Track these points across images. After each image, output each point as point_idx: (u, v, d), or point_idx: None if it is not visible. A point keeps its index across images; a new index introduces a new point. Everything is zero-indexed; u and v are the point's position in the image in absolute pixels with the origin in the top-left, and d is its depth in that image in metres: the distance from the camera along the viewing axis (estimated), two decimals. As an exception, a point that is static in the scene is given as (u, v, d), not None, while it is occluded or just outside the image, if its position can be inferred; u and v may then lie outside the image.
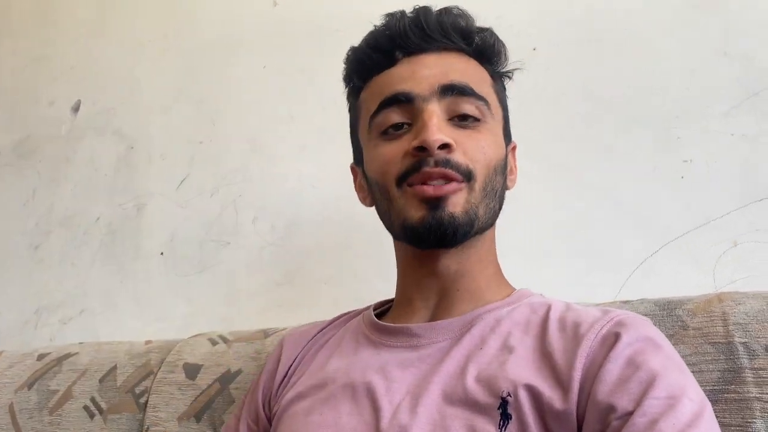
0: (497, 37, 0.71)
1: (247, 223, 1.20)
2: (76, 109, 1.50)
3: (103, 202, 1.38)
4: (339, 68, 1.17)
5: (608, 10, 0.99)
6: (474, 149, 0.63)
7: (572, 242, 0.93)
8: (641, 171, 0.92)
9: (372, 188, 0.68)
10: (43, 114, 1.54)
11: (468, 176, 0.61)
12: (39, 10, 1.66)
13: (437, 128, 0.61)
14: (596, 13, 1.00)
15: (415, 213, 0.61)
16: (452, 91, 0.63)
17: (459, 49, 0.68)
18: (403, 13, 0.68)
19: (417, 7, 0.68)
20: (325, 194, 1.14)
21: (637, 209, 0.91)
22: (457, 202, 0.61)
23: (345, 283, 1.08)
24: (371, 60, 0.69)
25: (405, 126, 0.64)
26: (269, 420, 0.69)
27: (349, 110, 0.75)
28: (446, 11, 0.68)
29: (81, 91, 1.51)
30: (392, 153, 0.64)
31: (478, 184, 0.62)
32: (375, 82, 0.68)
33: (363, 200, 0.74)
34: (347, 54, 0.73)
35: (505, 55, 0.72)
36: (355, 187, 0.76)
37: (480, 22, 0.73)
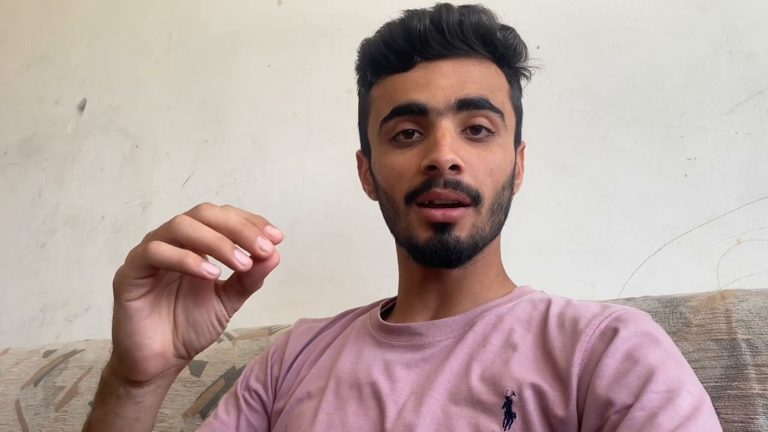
0: (519, 38, 0.69)
1: (251, 221, 1.20)
2: (81, 108, 1.51)
3: (109, 201, 1.39)
4: (342, 67, 1.19)
5: (612, 8, 0.99)
6: (483, 172, 0.62)
7: (575, 240, 0.93)
8: (645, 169, 0.92)
9: (379, 191, 0.68)
10: (49, 113, 1.55)
11: (476, 200, 0.61)
12: (44, 10, 1.67)
13: (449, 148, 0.60)
14: (600, 12, 1.00)
15: (422, 233, 0.61)
16: (468, 106, 0.62)
17: (478, 54, 0.66)
18: (424, 11, 0.65)
19: (439, 5, 0.65)
20: (328, 192, 1.14)
21: (641, 207, 0.91)
22: (464, 226, 0.61)
23: (348, 281, 1.08)
24: (387, 60, 0.66)
25: (416, 134, 0.63)
26: (274, 393, 0.70)
27: (358, 95, 0.74)
28: (468, 10, 0.65)
29: (86, 90, 1.52)
30: (403, 166, 0.63)
31: (485, 207, 0.62)
32: (389, 82, 0.66)
33: (368, 193, 0.74)
34: (361, 45, 0.70)
35: (526, 54, 0.70)
36: (360, 175, 0.75)
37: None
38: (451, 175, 0.60)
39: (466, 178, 0.61)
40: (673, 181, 0.90)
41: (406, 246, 0.64)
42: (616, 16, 0.98)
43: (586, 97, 0.97)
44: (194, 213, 0.45)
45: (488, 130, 0.63)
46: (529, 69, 0.72)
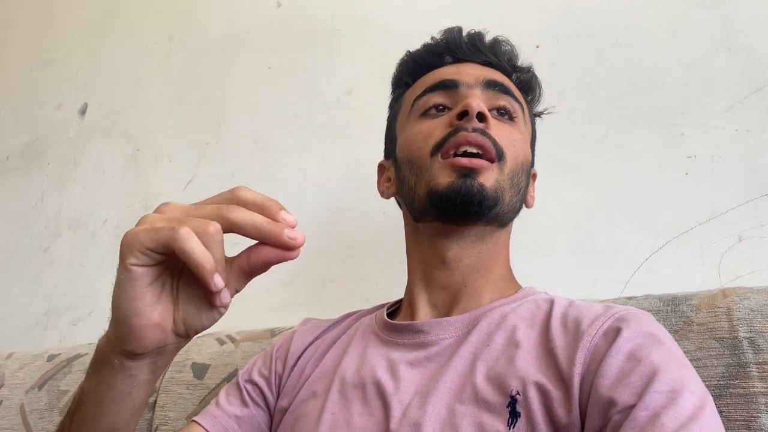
0: (535, 75, 0.77)
1: (253, 223, 1.20)
2: (83, 111, 1.51)
3: (111, 204, 1.39)
4: (342, 68, 1.19)
5: (612, 7, 0.99)
6: (506, 138, 0.66)
7: (577, 239, 0.93)
8: (646, 167, 0.92)
9: (400, 171, 0.70)
10: (51, 117, 1.56)
11: (500, 155, 0.64)
12: (44, 14, 1.67)
13: (479, 99, 0.65)
14: (600, 11, 1.00)
15: (445, 179, 0.63)
16: (495, 86, 0.68)
17: (502, 69, 0.73)
18: (460, 28, 0.75)
19: (471, 30, 0.75)
20: (329, 194, 1.15)
21: (642, 205, 0.91)
22: (489, 177, 0.63)
23: (350, 283, 1.08)
24: (423, 60, 0.74)
25: (446, 109, 0.68)
26: (276, 394, 0.71)
27: (390, 109, 0.79)
28: (497, 40, 0.75)
29: (87, 93, 1.52)
30: (431, 127, 0.67)
31: (507, 168, 0.65)
32: (422, 79, 0.74)
33: (385, 191, 0.76)
34: (403, 57, 0.78)
35: (540, 94, 0.77)
36: (379, 183, 0.78)
37: (484, 20, 0.75)
38: (479, 125, 0.64)
39: (492, 132, 0.65)
40: (674, 179, 0.89)
41: (427, 199, 0.65)
42: (615, 14, 0.98)
43: (586, 96, 0.98)
44: (231, 210, 0.43)
45: (511, 116, 0.69)
46: (539, 113, 0.79)
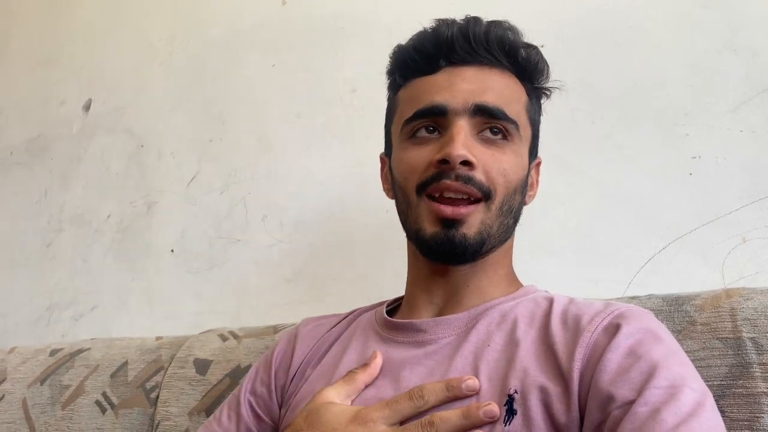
0: (542, 56, 0.72)
1: (256, 220, 1.21)
2: (87, 108, 1.51)
3: (114, 200, 1.39)
4: (345, 67, 1.19)
5: (615, 7, 0.99)
6: (495, 170, 0.63)
7: (580, 239, 0.93)
8: (650, 168, 0.91)
9: (395, 186, 0.70)
10: (55, 113, 1.56)
11: (487, 195, 0.62)
12: (49, 12, 1.68)
13: (462, 144, 0.62)
14: (604, 10, 1.00)
15: (429, 227, 0.63)
16: (483, 112, 0.64)
17: (501, 65, 0.69)
18: (453, 21, 0.69)
19: (468, 16, 0.69)
20: (332, 192, 1.15)
21: (646, 206, 0.90)
22: (472, 223, 0.62)
23: (352, 280, 1.08)
24: (414, 63, 0.70)
25: (436, 132, 0.66)
26: (279, 404, 0.71)
27: (388, 100, 0.77)
28: (495, 24, 0.69)
29: (92, 90, 1.52)
30: (417, 160, 0.65)
31: (495, 205, 0.63)
32: (414, 85, 0.69)
33: (386, 191, 0.76)
34: (393, 50, 0.74)
35: (548, 74, 0.73)
36: (382, 176, 0.77)
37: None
38: (462, 171, 0.61)
39: (478, 175, 0.62)
40: (678, 180, 0.89)
41: (414, 239, 0.66)
42: (619, 14, 0.98)
43: (588, 96, 0.97)
44: None
45: (503, 136, 0.65)
46: (548, 89, 0.74)
